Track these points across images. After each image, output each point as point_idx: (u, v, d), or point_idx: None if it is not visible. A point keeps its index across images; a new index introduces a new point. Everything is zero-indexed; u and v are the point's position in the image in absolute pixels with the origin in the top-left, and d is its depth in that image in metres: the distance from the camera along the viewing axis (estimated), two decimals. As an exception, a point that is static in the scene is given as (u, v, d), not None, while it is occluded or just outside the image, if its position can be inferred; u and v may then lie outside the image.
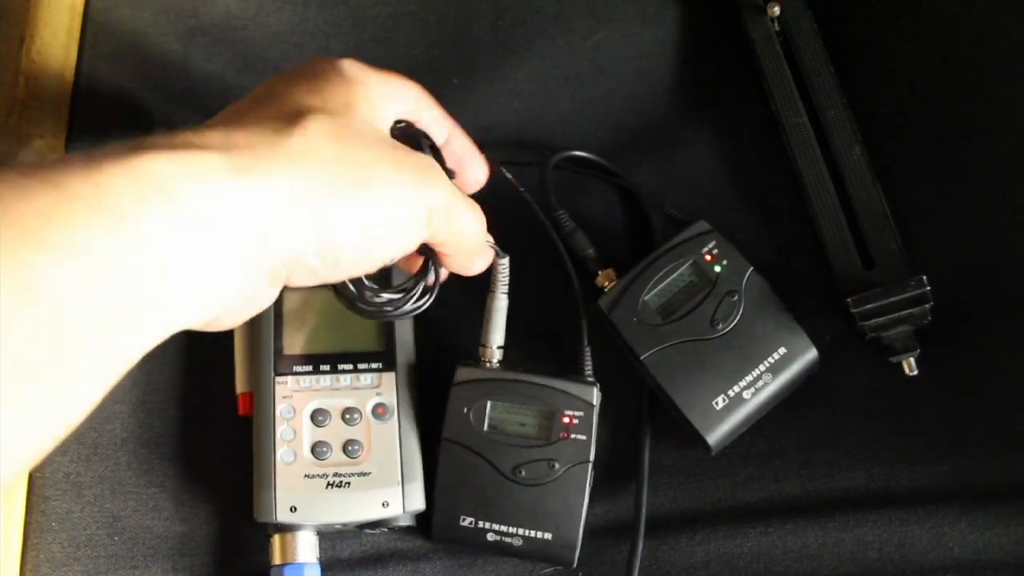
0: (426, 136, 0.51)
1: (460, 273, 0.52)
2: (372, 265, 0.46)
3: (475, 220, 0.49)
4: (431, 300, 0.51)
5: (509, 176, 0.60)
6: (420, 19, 0.68)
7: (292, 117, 0.43)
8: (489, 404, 0.55)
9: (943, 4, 0.64)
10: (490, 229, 0.55)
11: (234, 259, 0.39)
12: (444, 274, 0.53)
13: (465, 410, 0.55)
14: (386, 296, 0.50)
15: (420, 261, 0.52)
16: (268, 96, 0.45)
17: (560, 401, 0.55)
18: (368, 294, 0.49)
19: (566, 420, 0.54)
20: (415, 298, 0.51)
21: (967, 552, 0.55)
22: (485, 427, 0.55)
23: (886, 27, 0.65)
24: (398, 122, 0.49)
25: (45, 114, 0.61)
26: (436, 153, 0.51)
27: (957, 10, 0.64)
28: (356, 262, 0.45)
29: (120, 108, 0.64)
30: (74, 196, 0.34)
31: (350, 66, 0.47)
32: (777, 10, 0.64)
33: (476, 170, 0.54)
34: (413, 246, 0.46)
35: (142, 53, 0.66)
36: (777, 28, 0.65)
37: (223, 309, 0.41)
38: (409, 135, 0.50)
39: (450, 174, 0.51)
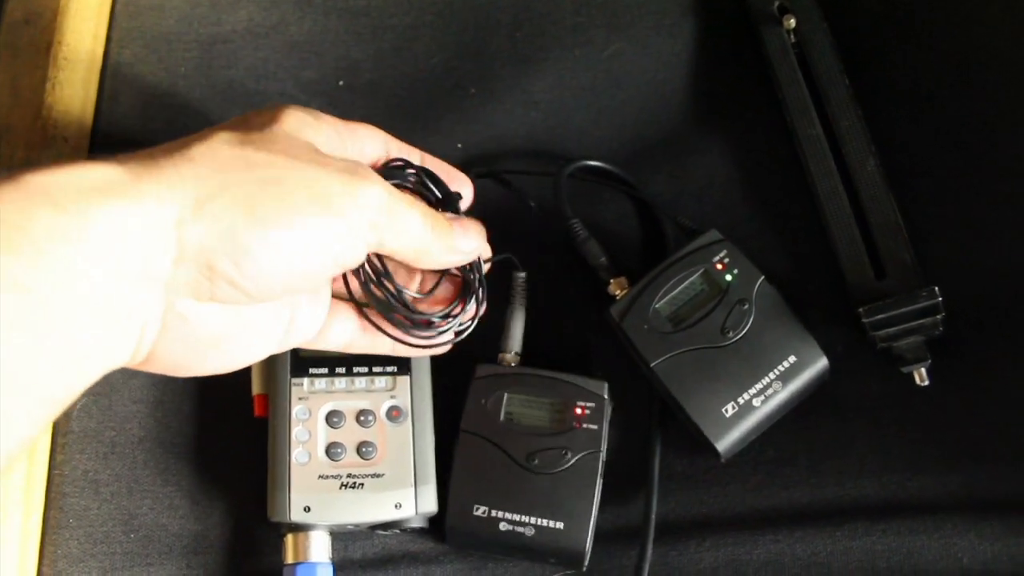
0: (410, 165, 0.51)
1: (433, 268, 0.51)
2: (307, 280, 0.43)
3: (419, 217, 0.46)
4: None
5: (512, 185, 0.61)
6: (439, 29, 0.69)
7: (204, 134, 0.42)
8: (506, 396, 0.57)
9: (959, 17, 0.65)
10: (508, 240, 0.57)
11: (136, 266, 0.37)
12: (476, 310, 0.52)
13: (483, 401, 0.56)
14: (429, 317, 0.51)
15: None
16: (200, 135, 0.43)
17: (573, 393, 0.57)
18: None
19: (578, 411, 0.56)
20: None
21: (976, 563, 0.55)
22: (501, 417, 0.56)
23: (901, 39, 0.66)
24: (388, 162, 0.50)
25: (71, 117, 0.62)
26: (430, 178, 0.51)
27: (972, 24, 0.64)
28: (283, 275, 0.42)
29: (143, 112, 0.66)
30: None
31: (295, 109, 0.45)
32: (793, 22, 0.64)
33: (461, 191, 0.53)
34: (356, 257, 0.44)
35: (165, 59, 0.67)
36: (793, 40, 0.65)
37: (148, 330, 0.39)
38: (393, 168, 0.50)
39: (454, 197, 0.51)
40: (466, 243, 0.50)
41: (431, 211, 0.48)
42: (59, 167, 0.37)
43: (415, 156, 0.52)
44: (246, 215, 0.40)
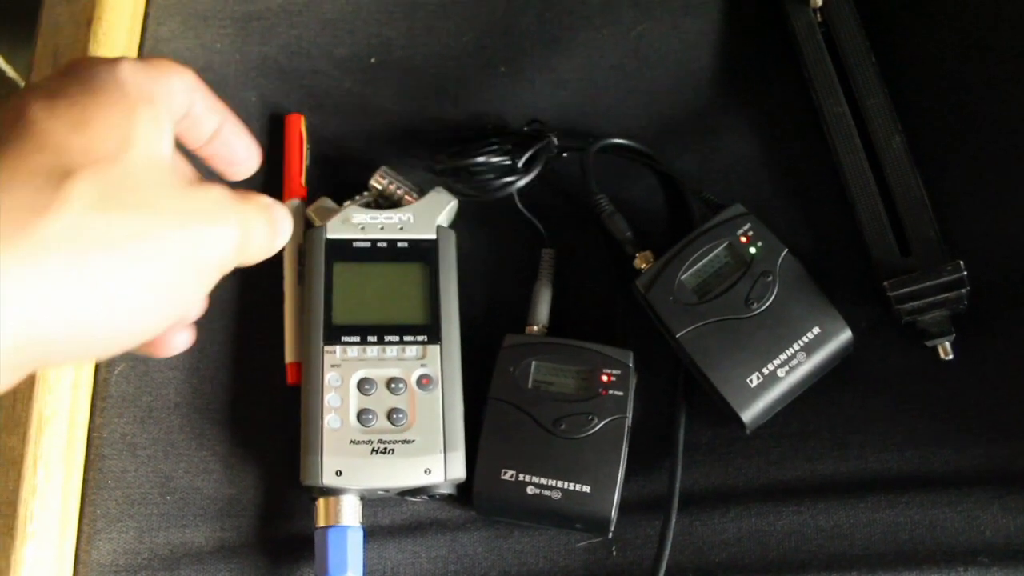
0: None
1: None
2: (158, 328, 0.40)
3: (265, 238, 0.43)
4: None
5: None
6: (470, 8, 0.70)
7: (58, 178, 0.35)
8: (533, 364, 0.58)
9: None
10: (536, 217, 0.60)
11: None
12: None
13: (511, 369, 0.58)
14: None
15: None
16: (31, 131, 0.36)
17: (599, 361, 0.58)
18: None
19: (604, 378, 0.57)
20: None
21: (999, 536, 0.55)
22: (529, 384, 0.57)
23: (928, 18, 0.66)
24: None
25: (110, 92, 0.64)
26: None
27: (999, 2, 0.64)
28: (138, 333, 0.39)
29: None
30: None
31: (131, 74, 0.39)
32: (819, 0, 0.65)
33: (246, 156, 0.48)
34: (206, 292, 0.41)
35: (201, 35, 0.68)
36: (819, 18, 0.66)
37: None
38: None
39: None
40: (289, 227, 0.46)
41: (268, 212, 0.44)
42: None
43: (217, 111, 0.46)
44: (106, 314, 0.36)
